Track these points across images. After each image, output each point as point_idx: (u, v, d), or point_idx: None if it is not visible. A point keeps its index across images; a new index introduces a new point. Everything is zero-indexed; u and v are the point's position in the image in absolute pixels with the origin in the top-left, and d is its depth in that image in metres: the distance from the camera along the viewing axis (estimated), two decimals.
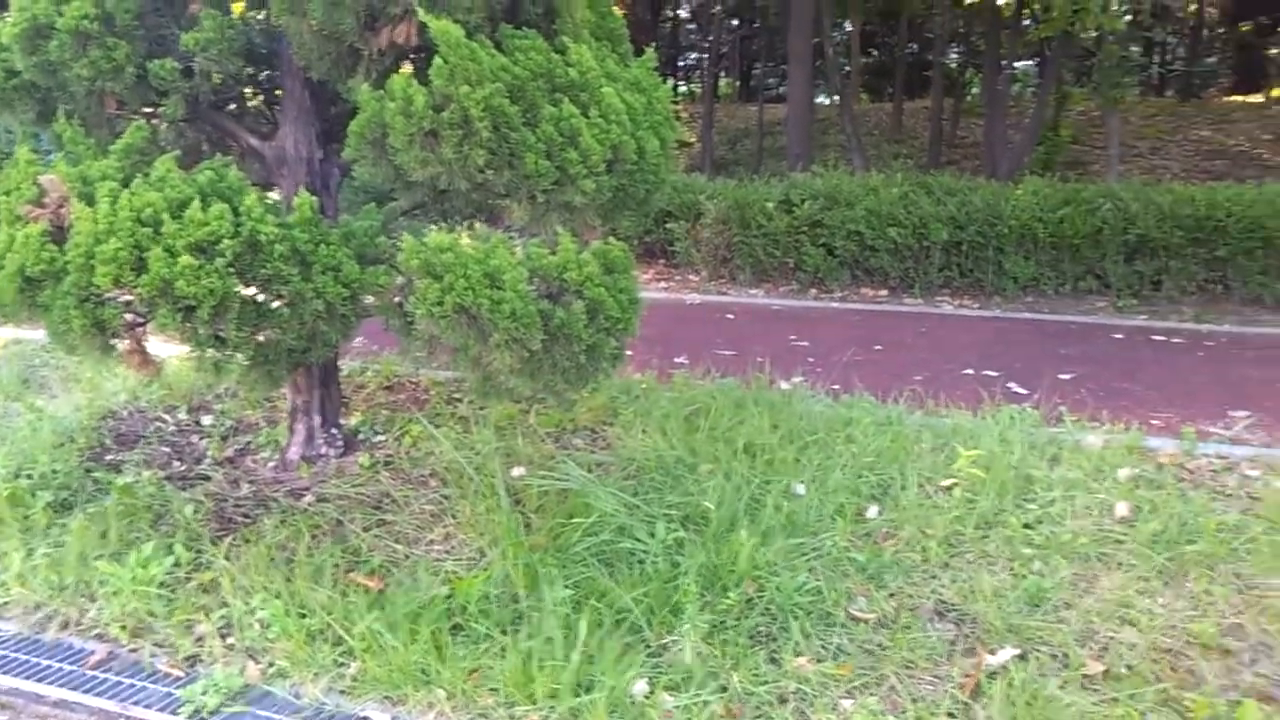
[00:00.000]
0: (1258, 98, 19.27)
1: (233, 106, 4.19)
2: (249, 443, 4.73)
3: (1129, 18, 11.97)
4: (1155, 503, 3.83)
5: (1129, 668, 2.85)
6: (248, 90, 4.27)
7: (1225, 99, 21.31)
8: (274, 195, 3.99)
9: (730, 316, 8.66)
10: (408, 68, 3.36)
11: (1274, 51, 15.02)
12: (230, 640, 3.12)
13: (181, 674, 3.01)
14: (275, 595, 3.21)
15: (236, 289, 3.12)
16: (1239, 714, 2.61)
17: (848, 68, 23.15)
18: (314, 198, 3.40)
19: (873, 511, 3.85)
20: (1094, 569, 3.42)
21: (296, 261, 3.24)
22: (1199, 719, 2.62)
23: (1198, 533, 3.59)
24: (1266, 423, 5.24)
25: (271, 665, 3.01)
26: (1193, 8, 22.21)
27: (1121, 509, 3.79)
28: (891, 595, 3.28)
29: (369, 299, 3.51)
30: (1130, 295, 8.93)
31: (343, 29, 3.28)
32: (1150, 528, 3.61)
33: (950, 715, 2.70)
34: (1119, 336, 7.63)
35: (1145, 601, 3.19)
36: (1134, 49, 13.34)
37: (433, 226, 3.92)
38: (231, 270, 3.07)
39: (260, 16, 3.88)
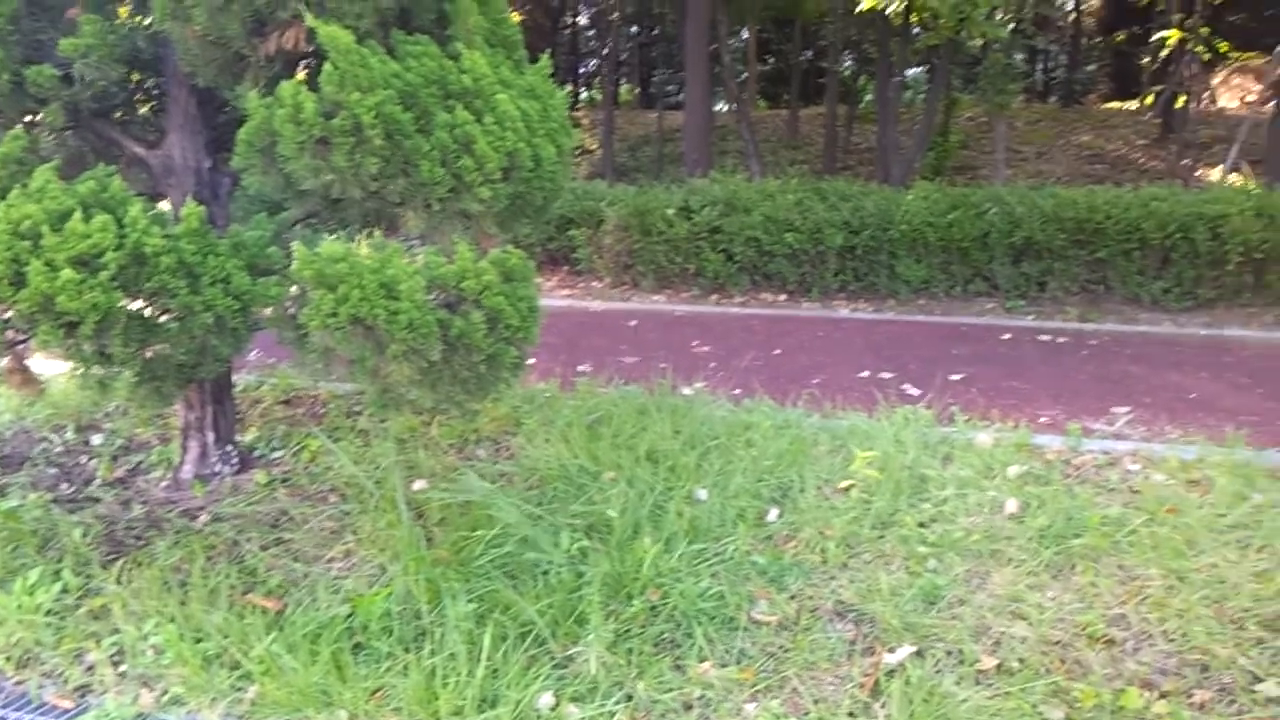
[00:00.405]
0: (1133, 104, 20.14)
1: (118, 114, 4.04)
2: (140, 462, 4.56)
3: (1012, 27, 12.40)
4: (1043, 498, 3.95)
5: (1020, 661, 2.93)
6: (134, 97, 4.12)
7: (1104, 105, 22.26)
8: (163, 205, 3.86)
9: (633, 323, 8.69)
10: (304, 73, 3.30)
11: (1146, 60, 15.70)
12: (122, 668, 3.01)
13: (71, 705, 2.90)
14: (169, 620, 3.10)
15: (122, 303, 3.01)
16: (1123, 701, 2.71)
17: (745, 75, 23.47)
18: (202, 208, 3.31)
19: (773, 515, 3.90)
20: (986, 565, 3.51)
21: (184, 274, 3.15)
22: (1086, 708, 2.71)
23: (1083, 527, 3.72)
24: (1145, 418, 5.47)
25: (166, 693, 2.91)
26: (1071, 18, 23.16)
27: (1011, 505, 3.90)
28: (792, 597, 3.32)
29: (263, 311, 3.43)
30: (1018, 296, 9.23)
31: (228, 35, 3.20)
32: (1039, 523, 3.73)
33: (851, 715, 2.75)
34: (1007, 337, 7.88)
35: (1035, 596, 3.29)
36: (1018, 57, 13.84)
37: (329, 236, 3.85)
38: (116, 284, 2.96)
39: (144, 22, 3.75)
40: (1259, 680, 2.81)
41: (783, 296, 9.80)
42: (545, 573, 3.34)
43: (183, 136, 3.88)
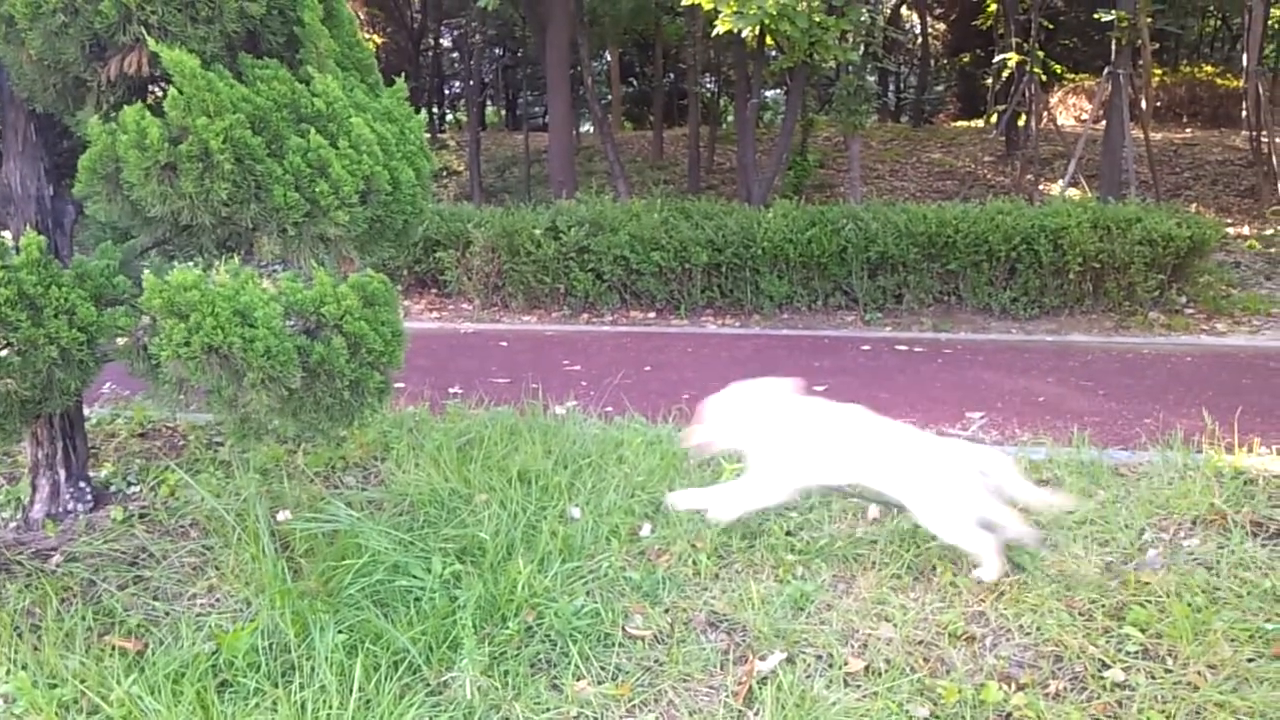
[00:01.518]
0: (979, 122, 21.15)
1: None
2: None
3: (863, 50, 12.88)
4: None
5: (887, 661, 3.03)
6: None
7: (952, 124, 23.30)
8: (4, 236, 3.68)
9: (504, 344, 8.66)
10: (151, 98, 3.20)
11: (990, 81, 16.52)
12: None
13: None
14: (21, 666, 2.95)
15: None
16: (984, 695, 2.83)
17: (609, 97, 23.69)
18: (43, 237, 3.16)
19: (646, 530, 3.94)
20: (851, 570, 3.62)
21: (25, 306, 3.01)
22: (949, 704, 2.82)
23: None
24: (998, 421, 5.74)
25: None
26: (920, 41, 24.18)
27: (873, 511, 4.04)
28: (666, 611, 3.36)
29: (113, 342, 3.30)
30: (875, 309, 9.56)
31: (66, 59, 3.08)
32: (900, 527, 3.87)
33: None
34: (867, 348, 8.15)
35: (899, 598, 3.41)
36: (870, 79, 14.35)
37: (183, 263, 3.73)
38: None
39: None
40: (1107, 667, 2.97)
41: (652, 314, 9.92)
42: (417, 599, 3.30)
43: (22, 164, 3.71)
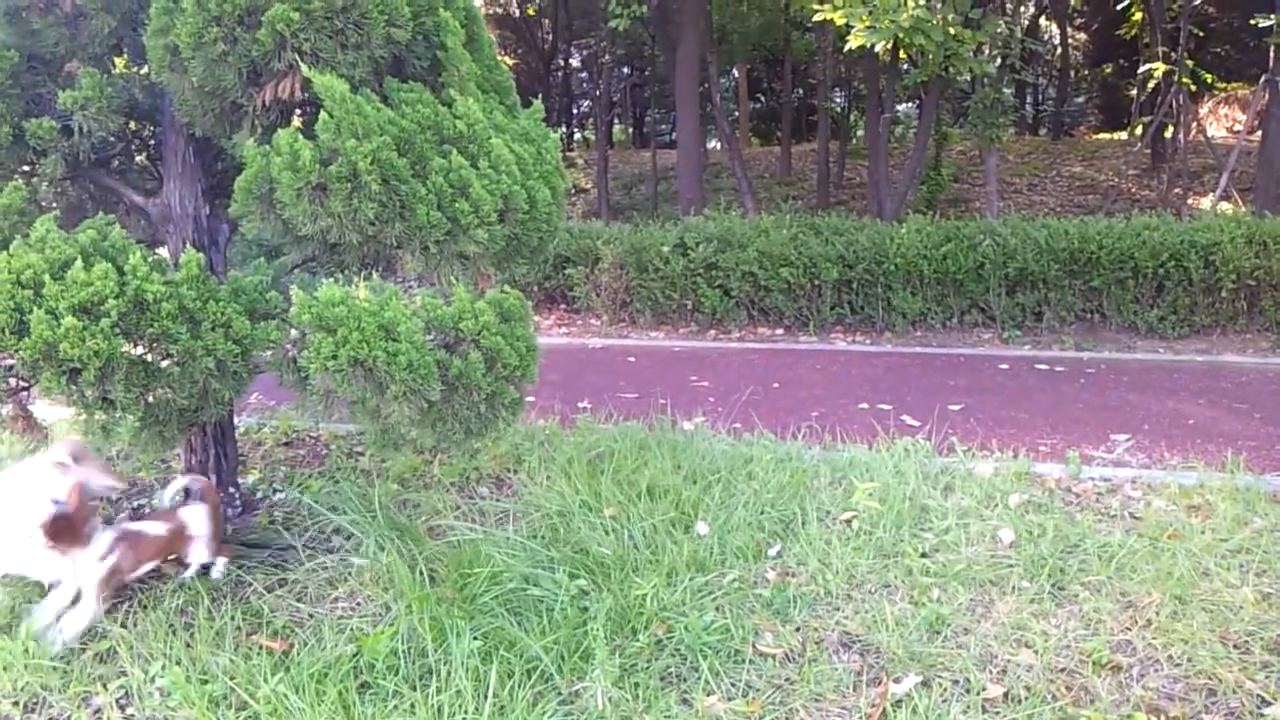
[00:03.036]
0: (1122, 134, 20.35)
1: (116, 163, 4.10)
2: (142, 505, 4.57)
3: (1000, 62, 12.56)
4: (1044, 526, 3.97)
5: (1027, 689, 2.93)
6: (132, 146, 4.19)
7: (1093, 136, 22.50)
8: (162, 252, 3.91)
9: (632, 359, 8.72)
10: (297, 121, 3.36)
11: (1134, 91, 15.90)
12: (129, 711, 3.00)
13: None
14: (175, 662, 3.10)
15: (123, 349, 3.04)
16: None
17: (736, 113, 23.70)
18: (201, 254, 3.35)
19: (775, 548, 3.91)
20: (989, 594, 3.52)
21: (185, 319, 3.18)
22: None
23: (1085, 554, 3.73)
24: (1145, 445, 5.49)
25: None
26: (1059, 52, 23.43)
27: (1011, 535, 3.92)
28: (797, 629, 3.33)
29: (263, 354, 3.46)
30: (1014, 326, 9.28)
31: (224, 85, 3.26)
32: (1040, 551, 3.74)
33: None
34: (1004, 366, 7.91)
35: (1039, 623, 3.30)
36: (1007, 91, 13.98)
37: (327, 280, 3.89)
38: (117, 330, 3.00)
39: (141, 72, 3.82)
40: (1267, 703, 2.81)
41: (780, 331, 9.85)
42: (550, 609, 3.35)
43: (181, 184, 3.93)
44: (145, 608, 3.50)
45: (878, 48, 10.91)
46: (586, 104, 27.87)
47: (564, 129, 25.95)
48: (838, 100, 21.21)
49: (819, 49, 17.00)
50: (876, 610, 3.40)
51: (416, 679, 3.00)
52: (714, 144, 22.56)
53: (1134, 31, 16.45)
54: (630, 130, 29.22)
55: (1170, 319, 8.88)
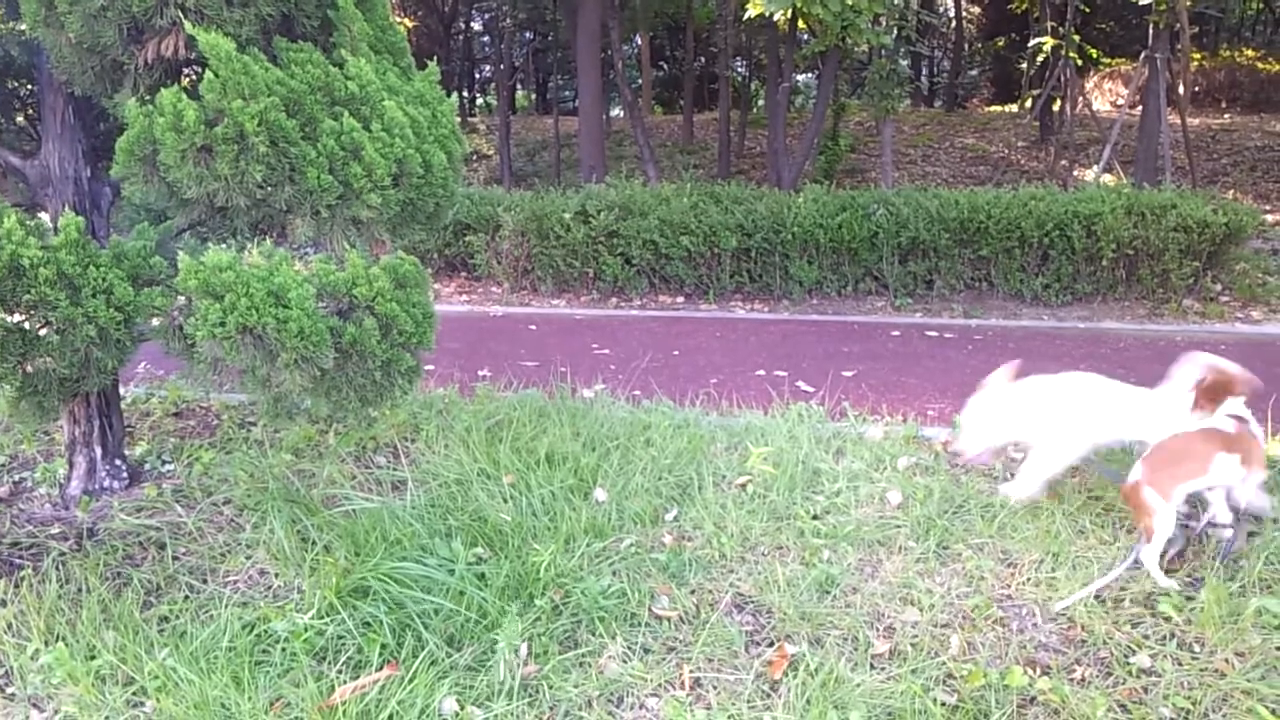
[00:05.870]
0: (1013, 107, 20.93)
1: None
2: (24, 479, 4.41)
3: (896, 33, 12.78)
4: (931, 488, 4.10)
5: (913, 644, 3.04)
6: (13, 106, 3.99)
7: (986, 109, 23.08)
8: (42, 217, 3.75)
9: (533, 327, 8.69)
10: (185, 81, 3.24)
11: (1024, 65, 16.34)
12: (10, 690, 2.91)
13: None
14: (59, 639, 3.01)
15: None
16: (1008, 680, 2.83)
17: (639, 80, 23.63)
18: (81, 218, 3.22)
19: (672, 512, 3.96)
20: (878, 554, 3.63)
21: (64, 285, 3.07)
22: (974, 687, 2.83)
23: (969, 515, 3.88)
24: None
25: (58, 712, 2.82)
26: (954, 25, 23.93)
27: (899, 496, 4.04)
28: (692, 592, 3.39)
29: (149, 322, 3.35)
30: (906, 294, 9.51)
31: (104, 42, 3.12)
32: (927, 512, 3.87)
33: (751, 703, 2.82)
34: (896, 334, 8.12)
35: (925, 582, 3.42)
36: (903, 63, 14.23)
37: (217, 245, 3.78)
38: None
39: (17, 28, 3.64)
40: (1133, 653, 2.96)
41: (680, 299, 9.92)
42: (450, 574, 3.34)
43: (60, 146, 3.77)
44: (27, 585, 3.38)
45: (776, 17, 11.01)
46: (488, 69, 27.46)
47: (465, 94, 25.54)
48: (739, 69, 21.31)
49: (720, 17, 17.04)
50: (769, 572, 3.47)
51: (311, 650, 2.97)
52: (617, 112, 22.50)
53: (1025, 6, 16.89)
54: (533, 96, 28.92)
55: (1054, 287, 9.20)
